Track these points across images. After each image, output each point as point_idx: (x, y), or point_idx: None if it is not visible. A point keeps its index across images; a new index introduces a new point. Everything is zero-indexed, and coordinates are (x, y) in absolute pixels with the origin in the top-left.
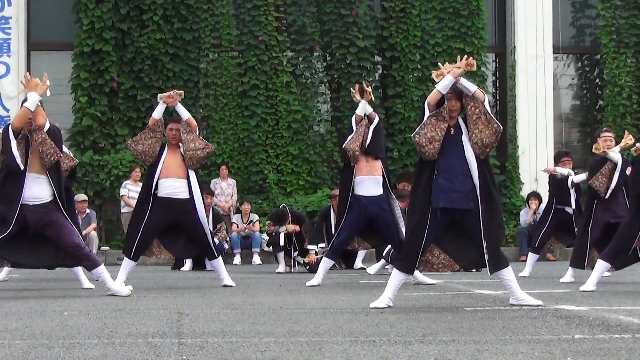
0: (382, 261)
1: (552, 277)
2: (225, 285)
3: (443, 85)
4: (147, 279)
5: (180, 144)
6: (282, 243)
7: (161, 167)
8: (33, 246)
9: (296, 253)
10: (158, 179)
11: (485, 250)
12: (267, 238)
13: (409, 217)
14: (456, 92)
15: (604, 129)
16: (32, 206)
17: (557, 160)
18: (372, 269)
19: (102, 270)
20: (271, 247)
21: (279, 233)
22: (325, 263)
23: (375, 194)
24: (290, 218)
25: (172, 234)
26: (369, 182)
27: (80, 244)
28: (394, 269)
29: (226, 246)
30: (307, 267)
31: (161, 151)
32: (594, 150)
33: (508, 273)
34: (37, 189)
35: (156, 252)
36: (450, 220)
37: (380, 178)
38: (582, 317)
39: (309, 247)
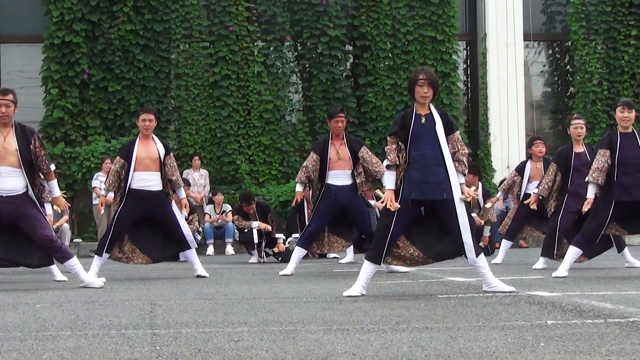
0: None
1: (525, 264)
2: (199, 276)
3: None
4: (120, 271)
5: (153, 135)
6: (255, 240)
7: (135, 161)
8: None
9: (264, 244)
10: (134, 172)
11: (462, 239)
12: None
13: (382, 209)
14: (429, 79)
15: (575, 115)
16: (5, 197)
17: (530, 145)
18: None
19: (74, 262)
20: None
21: (252, 230)
22: (298, 252)
23: (346, 184)
24: (256, 208)
25: (147, 234)
26: (340, 175)
27: (52, 236)
28: (364, 259)
29: (198, 237)
30: (279, 258)
31: (133, 143)
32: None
33: (481, 260)
34: (11, 182)
35: (132, 257)
36: (422, 211)
37: (350, 171)
38: (555, 303)
39: (276, 235)
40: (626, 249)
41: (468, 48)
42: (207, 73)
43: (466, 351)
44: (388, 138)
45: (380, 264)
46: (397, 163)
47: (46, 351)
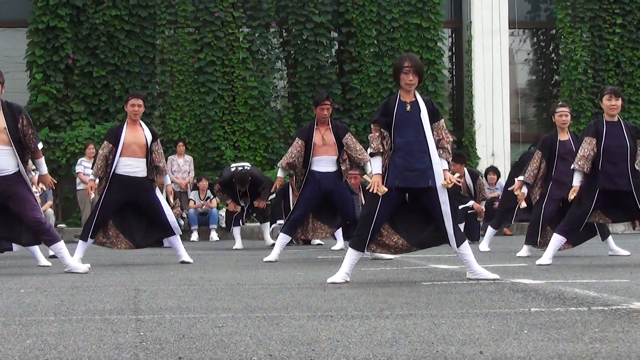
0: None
1: (509, 252)
2: (183, 262)
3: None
4: (104, 256)
5: (141, 121)
6: (243, 220)
7: (122, 147)
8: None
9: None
10: (119, 157)
11: (447, 226)
12: (224, 215)
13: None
14: (414, 66)
15: (560, 103)
16: None
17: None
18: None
19: (61, 246)
20: (228, 223)
21: (243, 210)
22: (282, 239)
23: (330, 170)
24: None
25: (132, 219)
26: (324, 161)
27: (41, 219)
28: (348, 246)
29: (182, 222)
30: (254, 215)
31: (120, 128)
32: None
33: (465, 248)
34: (2, 160)
35: (116, 242)
36: (406, 198)
37: (335, 157)
38: (539, 291)
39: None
40: (610, 237)
41: (453, 35)
42: (192, 59)
43: (450, 338)
44: (372, 125)
45: (363, 252)
46: (381, 150)
47: (30, 336)
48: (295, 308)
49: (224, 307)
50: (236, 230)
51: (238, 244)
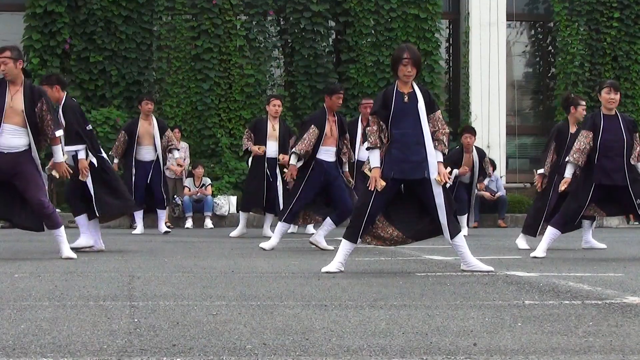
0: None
1: (503, 244)
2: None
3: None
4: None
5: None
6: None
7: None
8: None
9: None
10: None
11: (441, 218)
12: (218, 203)
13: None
14: (413, 58)
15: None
16: (6, 153)
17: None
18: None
19: (61, 232)
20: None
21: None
22: (282, 227)
23: (332, 160)
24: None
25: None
26: (330, 151)
27: (45, 201)
28: (343, 237)
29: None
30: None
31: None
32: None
33: (460, 239)
34: (13, 139)
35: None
36: (401, 189)
37: (336, 149)
38: (533, 284)
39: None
40: (591, 230)
41: (451, 26)
42: (189, 46)
43: (444, 329)
44: (370, 118)
45: (356, 243)
46: (378, 145)
47: (24, 321)
48: (290, 297)
49: (218, 295)
50: (243, 215)
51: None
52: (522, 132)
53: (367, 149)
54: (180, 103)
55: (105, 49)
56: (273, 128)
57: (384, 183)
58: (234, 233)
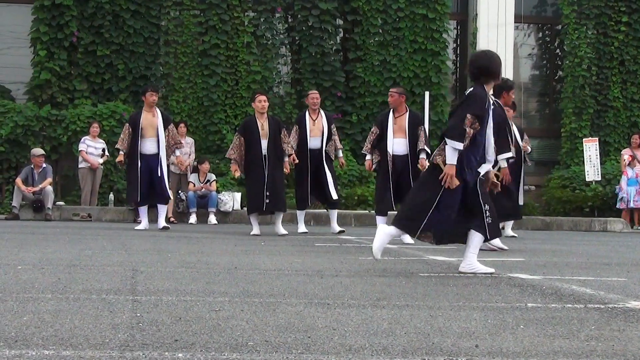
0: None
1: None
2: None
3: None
4: (102, 236)
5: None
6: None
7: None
8: None
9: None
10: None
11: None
12: (223, 199)
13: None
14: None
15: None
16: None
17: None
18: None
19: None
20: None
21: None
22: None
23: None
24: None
25: None
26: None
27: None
28: (393, 225)
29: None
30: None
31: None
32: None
33: (475, 235)
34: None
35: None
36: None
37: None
38: (535, 286)
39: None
40: (510, 224)
41: (458, 27)
42: (197, 41)
43: (446, 330)
44: (469, 117)
45: (415, 236)
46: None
47: (26, 313)
48: (292, 295)
49: (221, 291)
50: (254, 217)
51: (255, 229)
52: (528, 135)
53: (455, 148)
54: (186, 98)
55: (112, 43)
56: (262, 127)
57: (457, 182)
58: (253, 232)
